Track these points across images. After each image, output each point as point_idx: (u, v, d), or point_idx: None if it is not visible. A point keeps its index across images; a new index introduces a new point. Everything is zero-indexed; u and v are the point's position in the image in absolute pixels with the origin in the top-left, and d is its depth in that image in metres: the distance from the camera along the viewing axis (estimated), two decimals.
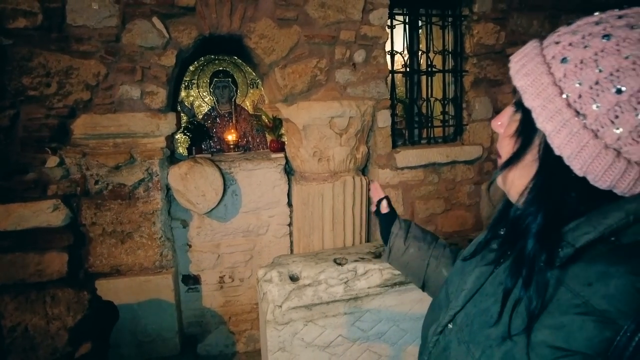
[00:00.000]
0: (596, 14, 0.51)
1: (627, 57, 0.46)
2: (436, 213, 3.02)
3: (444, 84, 3.09)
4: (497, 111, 2.99)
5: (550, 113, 0.50)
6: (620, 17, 0.49)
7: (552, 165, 0.51)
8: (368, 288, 1.46)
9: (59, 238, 2.36)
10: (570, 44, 0.50)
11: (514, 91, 0.57)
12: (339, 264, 1.47)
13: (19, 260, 2.31)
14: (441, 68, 3.06)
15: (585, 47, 0.49)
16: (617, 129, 0.46)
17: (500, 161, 0.60)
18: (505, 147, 0.58)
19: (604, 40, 0.48)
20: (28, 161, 2.32)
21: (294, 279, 1.43)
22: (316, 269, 1.44)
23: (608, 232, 0.49)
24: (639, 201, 0.49)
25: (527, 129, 0.54)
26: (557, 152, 0.50)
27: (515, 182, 0.57)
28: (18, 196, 2.28)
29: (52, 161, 2.34)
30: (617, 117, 0.46)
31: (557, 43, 0.52)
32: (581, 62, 0.49)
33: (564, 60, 0.50)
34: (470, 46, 2.95)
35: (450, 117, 3.12)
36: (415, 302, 1.54)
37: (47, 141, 2.34)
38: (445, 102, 3.09)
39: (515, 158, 0.56)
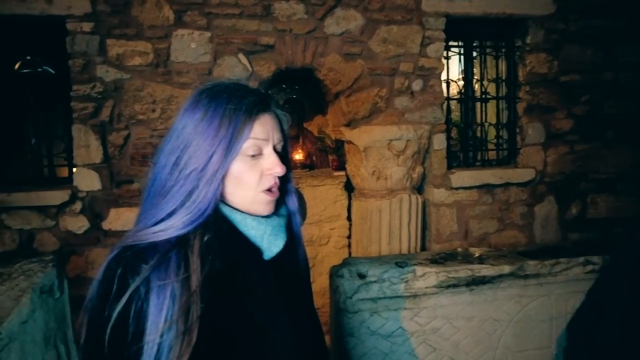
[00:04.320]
0: None
1: None
2: (489, 232, 3.16)
3: (497, 109, 3.28)
4: (550, 136, 3.13)
5: None
6: None
7: None
8: (425, 288, 1.69)
9: None
10: None
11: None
12: (400, 266, 1.72)
13: None
14: (495, 95, 3.25)
15: None
16: None
17: None
18: None
19: None
20: (134, 173, 2.77)
21: (361, 276, 1.69)
22: (380, 269, 1.70)
23: None
24: None
25: None
26: None
27: None
28: (126, 202, 2.73)
29: None
30: None
31: None
32: None
33: None
34: (523, 75, 3.12)
35: (504, 141, 3.29)
36: (466, 304, 1.74)
37: (150, 157, 2.80)
38: (499, 126, 3.27)
39: None
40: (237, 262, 0.75)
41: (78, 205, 2.63)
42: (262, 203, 0.77)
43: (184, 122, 0.74)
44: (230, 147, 0.72)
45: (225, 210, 0.76)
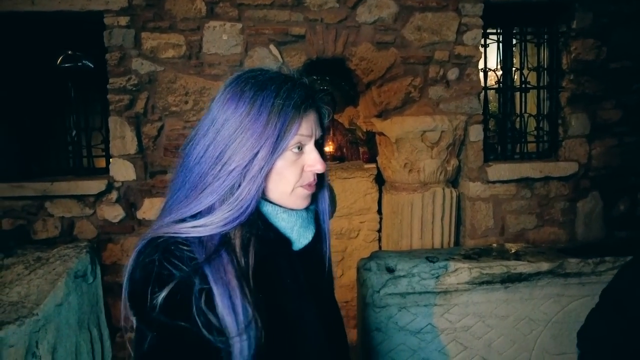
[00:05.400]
0: None
1: None
2: (527, 228, 3.01)
3: (538, 100, 3.11)
4: (595, 127, 2.94)
5: None
6: None
7: None
8: (457, 284, 1.62)
9: None
10: None
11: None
12: (431, 261, 1.66)
13: None
14: (536, 84, 3.09)
15: None
16: None
17: None
18: None
19: None
20: (167, 164, 2.82)
21: (390, 270, 1.64)
22: (410, 264, 1.64)
23: None
24: None
25: None
26: None
27: None
28: (159, 192, 2.79)
29: None
30: None
31: None
32: None
33: None
34: (567, 62, 2.94)
35: (545, 132, 3.12)
36: (500, 302, 1.66)
37: (182, 148, 2.84)
38: (540, 117, 3.10)
39: None
40: (270, 255, 0.75)
41: (114, 195, 2.72)
42: (300, 197, 0.76)
43: (226, 115, 0.71)
44: (277, 145, 0.70)
45: (259, 202, 0.75)
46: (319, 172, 0.76)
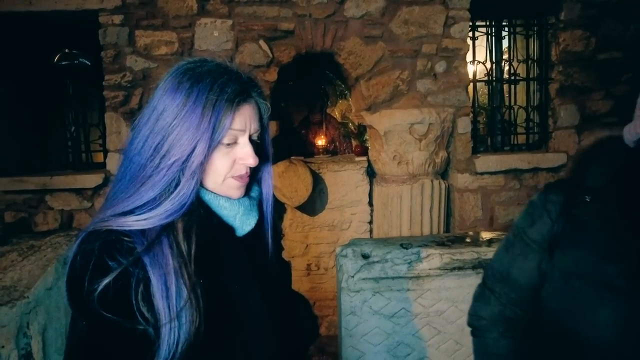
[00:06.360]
0: None
1: None
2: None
3: (527, 91, 3.13)
4: (585, 119, 2.95)
5: None
6: None
7: None
8: (429, 269, 1.68)
9: None
10: None
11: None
12: (405, 248, 1.71)
13: None
14: (525, 76, 3.11)
15: None
16: None
17: None
18: None
19: None
20: None
21: (365, 256, 1.70)
22: (384, 250, 1.70)
23: None
24: None
25: None
26: None
27: None
28: None
29: None
30: None
31: None
32: None
33: None
34: (555, 54, 2.96)
35: (535, 124, 3.14)
36: (473, 287, 1.70)
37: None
38: (530, 109, 3.12)
39: None
40: (213, 241, 0.77)
41: None
42: (232, 188, 0.79)
43: (164, 105, 0.72)
44: (212, 138, 0.71)
45: (200, 191, 0.77)
46: (250, 165, 0.78)
